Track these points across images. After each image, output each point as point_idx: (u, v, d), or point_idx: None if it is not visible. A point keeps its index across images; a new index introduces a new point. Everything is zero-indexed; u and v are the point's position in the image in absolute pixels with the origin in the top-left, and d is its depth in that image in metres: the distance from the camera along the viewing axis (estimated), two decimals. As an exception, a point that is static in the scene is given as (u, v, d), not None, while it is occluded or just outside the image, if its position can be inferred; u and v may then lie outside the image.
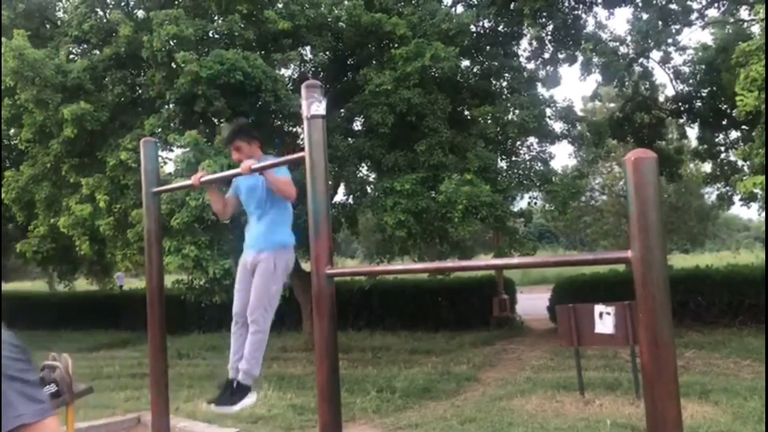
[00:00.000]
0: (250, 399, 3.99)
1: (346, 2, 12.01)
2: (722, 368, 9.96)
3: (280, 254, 4.05)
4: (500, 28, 15.27)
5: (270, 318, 4.05)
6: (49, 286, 29.15)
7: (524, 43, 16.34)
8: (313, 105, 2.85)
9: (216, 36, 11.08)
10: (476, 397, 8.80)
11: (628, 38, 15.70)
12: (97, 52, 11.52)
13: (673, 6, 14.50)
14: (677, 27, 15.27)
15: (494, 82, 14.31)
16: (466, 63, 13.84)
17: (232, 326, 4.16)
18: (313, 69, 13.14)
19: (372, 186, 12.49)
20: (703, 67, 15.60)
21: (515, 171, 13.41)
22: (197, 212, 9.00)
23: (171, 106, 10.63)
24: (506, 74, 14.25)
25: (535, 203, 14.25)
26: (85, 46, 12.05)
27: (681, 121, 18.44)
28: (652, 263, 1.92)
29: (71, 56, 11.95)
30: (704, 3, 15.24)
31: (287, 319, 16.19)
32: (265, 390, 9.00)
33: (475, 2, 14.78)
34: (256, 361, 4.01)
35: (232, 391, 4.00)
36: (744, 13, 15.23)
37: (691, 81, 16.96)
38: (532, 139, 13.67)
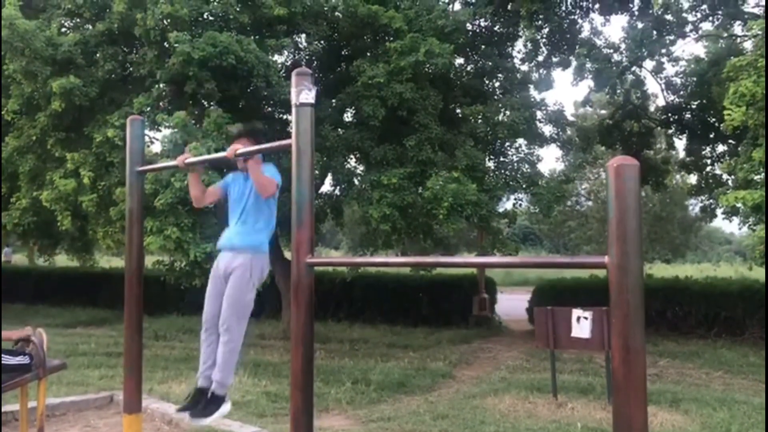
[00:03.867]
0: (224, 408, 3.91)
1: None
2: (694, 378, 10.08)
3: (255, 259, 3.97)
4: (496, 28, 15.29)
5: (243, 327, 3.95)
6: (29, 259, 28.88)
7: (519, 44, 16.40)
8: (303, 93, 2.85)
9: (210, 18, 11.00)
10: (450, 394, 8.85)
11: (622, 46, 15.78)
12: (90, 27, 11.39)
13: (669, 17, 14.59)
14: (671, 38, 15.37)
15: (487, 81, 14.34)
16: (460, 61, 13.86)
17: (202, 333, 4.05)
18: (306, 57, 13.08)
19: (359, 178, 12.47)
20: (695, 79, 15.71)
21: (502, 171, 13.45)
22: (182, 194, 8.94)
23: (161, 85, 10.55)
24: (499, 74, 14.28)
25: (520, 205, 14.30)
26: (78, 20, 11.90)
27: (670, 131, 18.57)
28: (628, 270, 1.94)
29: (63, 29, 11.81)
30: (699, 16, 15.34)
31: (267, 307, 16.19)
32: (240, 376, 8.98)
33: (473, 0, 14.78)
34: (230, 370, 3.93)
35: (206, 402, 3.91)
36: (738, 28, 15.37)
37: (681, 92, 17.09)
38: (520, 141, 13.71)
